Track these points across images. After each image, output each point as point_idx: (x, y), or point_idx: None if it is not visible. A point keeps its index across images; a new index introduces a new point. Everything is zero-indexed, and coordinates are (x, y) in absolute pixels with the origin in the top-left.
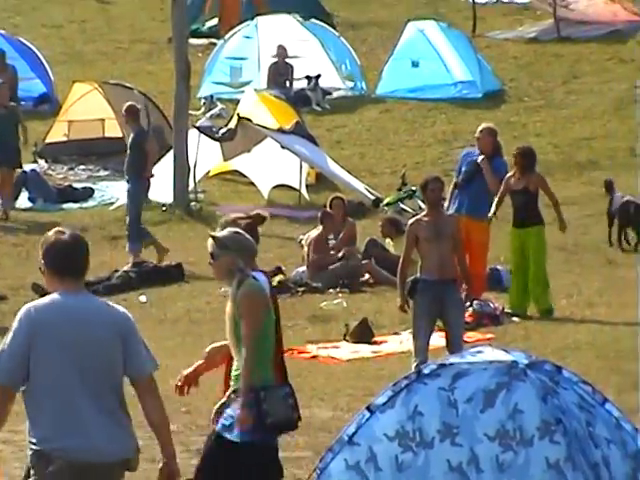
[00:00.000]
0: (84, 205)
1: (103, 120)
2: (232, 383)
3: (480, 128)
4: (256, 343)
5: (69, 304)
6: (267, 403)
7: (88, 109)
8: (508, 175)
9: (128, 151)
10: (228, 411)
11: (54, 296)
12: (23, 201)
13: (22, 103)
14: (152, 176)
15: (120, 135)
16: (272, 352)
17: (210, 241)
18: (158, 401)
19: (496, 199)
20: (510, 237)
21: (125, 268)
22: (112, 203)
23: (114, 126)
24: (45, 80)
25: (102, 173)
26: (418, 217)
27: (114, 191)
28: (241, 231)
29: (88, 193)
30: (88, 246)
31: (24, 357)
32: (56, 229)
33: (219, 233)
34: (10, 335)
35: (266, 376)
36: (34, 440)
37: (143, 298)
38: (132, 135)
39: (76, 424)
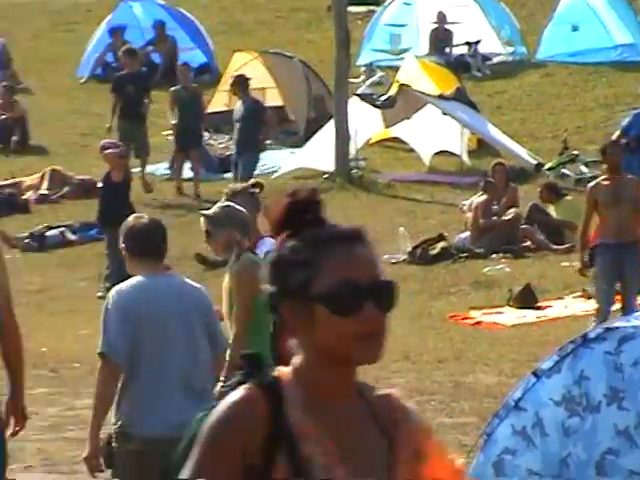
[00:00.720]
0: None
1: (264, 89)
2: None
3: None
4: (247, 319)
5: (151, 285)
6: None
7: None
8: None
9: (240, 123)
10: None
11: (137, 278)
12: (185, 171)
13: None
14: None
15: (281, 104)
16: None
17: (203, 220)
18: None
19: None
20: None
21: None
22: (274, 172)
23: (275, 95)
24: (205, 50)
25: (265, 142)
26: (597, 180)
27: (275, 160)
28: (231, 204)
29: None
30: (166, 230)
31: (125, 335)
32: (135, 215)
33: (210, 211)
34: (107, 317)
35: (264, 355)
36: (119, 414)
37: None
38: (244, 106)
39: (161, 401)
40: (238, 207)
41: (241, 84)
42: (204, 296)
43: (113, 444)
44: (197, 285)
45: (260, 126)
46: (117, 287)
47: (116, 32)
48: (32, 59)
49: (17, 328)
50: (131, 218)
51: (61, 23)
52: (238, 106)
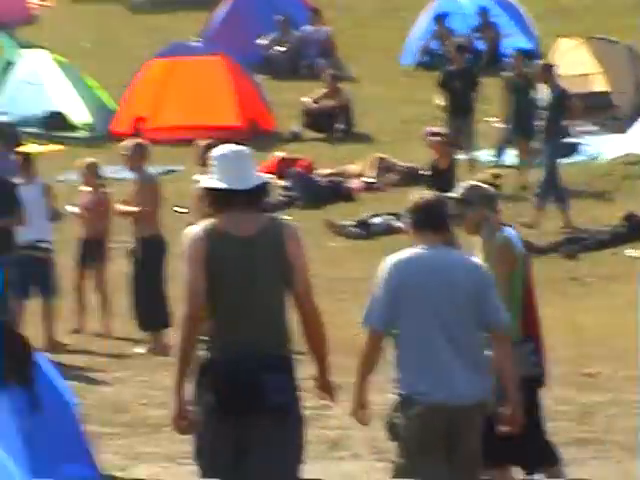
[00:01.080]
0: (570, 160)
1: (588, 75)
2: None
3: None
4: (509, 295)
5: (428, 256)
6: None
7: (573, 64)
8: None
9: (547, 110)
10: None
11: (415, 249)
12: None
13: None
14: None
15: (605, 90)
16: (520, 305)
17: (452, 203)
18: (507, 352)
19: None
20: None
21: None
22: (598, 157)
23: (599, 81)
24: (529, 36)
25: (590, 128)
26: None
27: (599, 145)
28: (476, 182)
29: (574, 148)
30: (447, 206)
31: (394, 305)
32: (421, 192)
33: (457, 193)
34: (379, 285)
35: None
36: (398, 385)
37: (632, 252)
38: (552, 94)
39: (437, 370)
40: (483, 184)
41: (549, 71)
42: (481, 271)
43: (394, 413)
44: (476, 261)
45: (564, 113)
46: (392, 257)
47: (440, 19)
48: (356, 47)
49: (318, 316)
50: (415, 194)
51: (386, 10)
52: (545, 93)
